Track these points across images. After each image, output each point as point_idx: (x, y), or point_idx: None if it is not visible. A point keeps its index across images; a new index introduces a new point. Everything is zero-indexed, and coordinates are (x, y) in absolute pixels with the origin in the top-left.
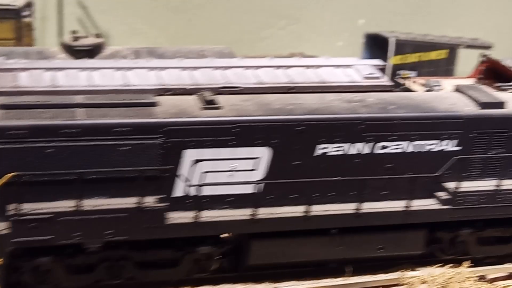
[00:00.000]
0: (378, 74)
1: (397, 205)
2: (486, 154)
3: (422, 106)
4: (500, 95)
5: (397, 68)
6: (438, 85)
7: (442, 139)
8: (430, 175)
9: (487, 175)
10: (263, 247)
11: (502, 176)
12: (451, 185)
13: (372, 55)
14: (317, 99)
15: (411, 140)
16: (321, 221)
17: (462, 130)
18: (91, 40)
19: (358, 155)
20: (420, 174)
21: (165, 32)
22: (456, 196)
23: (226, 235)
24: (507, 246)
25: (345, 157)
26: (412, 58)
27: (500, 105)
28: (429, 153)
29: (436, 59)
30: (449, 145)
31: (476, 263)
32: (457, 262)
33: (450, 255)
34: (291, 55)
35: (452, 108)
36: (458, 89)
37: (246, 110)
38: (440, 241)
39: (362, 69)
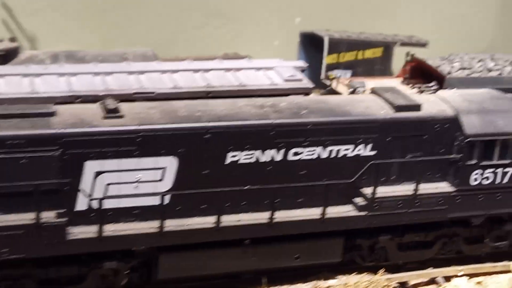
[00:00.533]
0: (299, 76)
1: (312, 213)
2: (403, 158)
3: (336, 111)
4: (418, 97)
5: (332, 67)
6: (363, 86)
7: (357, 144)
8: (345, 181)
9: (404, 180)
10: (173, 261)
11: (419, 181)
12: (368, 190)
13: (307, 54)
14: (227, 105)
15: (325, 145)
16: (233, 232)
17: (377, 134)
18: (4, 45)
19: (271, 162)
20: (334, 181)
21: (97, 33)
22: (373, 202)
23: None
24: (428, 251)
25: (257, 164)
26: (347, 56)
27: (416, 108)
28: (344, 158)
29: (371, 57)
30: (364, 150)
31: (398, 269)
32: (377, 269)
33: (370, 262)
34: (225, 56)
35: (367, 111)
36: (374, 92)
37: (150, 118)
38: (359, 248)
39: (283, 71)
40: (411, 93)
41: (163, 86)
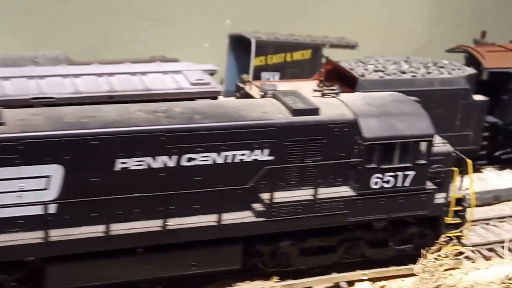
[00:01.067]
0: (207, 79)
1: (208, 220)
2: (302, 162)
3: (231, 115)
4: (318, 101)
5: (260, 69)
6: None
7: (253, 149)
8: (241, 187)
9: (304, 184)
10: (61, 271)
11: (318, 185)
12: (266, 196)
13: (237, 57)
14: (118, 110)
15: (220, 151)
16: (124, 241)
17: (274, 139)
18: None
19: (163, 169)
20: (230, 186)
21: (19, 36)
22: (271, 207)
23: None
24: (331, 255)
25: (148, 171)
26: (275, 59)
27: (313, 111)
28: (241, 163)
29: (300, 59)
30: (261, 155)
31: (303, 274)
32: (282, 275)
33: (272, 268)
34: (152, 59)
35: (264, 116)
36: (273, 96)
37: (33, 125)
38: (261, 254)
39: (191, 75)
40: (313, 96)
41: (63, 91)
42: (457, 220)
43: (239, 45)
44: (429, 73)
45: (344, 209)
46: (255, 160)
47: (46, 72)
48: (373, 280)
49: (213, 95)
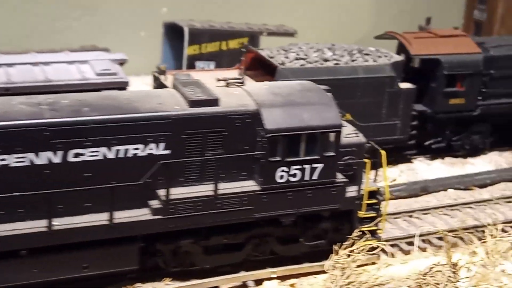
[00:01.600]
0: (114, 69)
1: (99, 218)
2: (201, 156)
3: (123, 107)
4: (220, 91)
5: (194, 58)
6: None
7: (147, 143)
8: (133, 183)
9: (205, 180)
10: None
11: (220, 180)
12: (163, 192)
13: (171, 45)
14: (1, 103)
15: (111, 145)
16: (5, 242)
17: (170, 132)
18: None
19: (48, 165)
20: (122, 183)
21: None
22: (168, 204)
23: None
24: (237, 253)
25: (31, 168)
26: (210, 47)
27: (212, 102)
28: (135, 158)
29: (237, 48)
30: (157, 149)
31: (209, 273)
32: (187, 275)
33: (175, 267)
34: (82, 48)
35: (158, 107)
36: (173, 86)
37: None
38: (161, 254)
39: (98, 65)
40: (217, 86)
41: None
42: (371, 214)
43: (174, 34)
44: (353, 60)
45: (248, 204)
46: (150, 154)
47: None
48: (282, 278)
49: (120, 86)
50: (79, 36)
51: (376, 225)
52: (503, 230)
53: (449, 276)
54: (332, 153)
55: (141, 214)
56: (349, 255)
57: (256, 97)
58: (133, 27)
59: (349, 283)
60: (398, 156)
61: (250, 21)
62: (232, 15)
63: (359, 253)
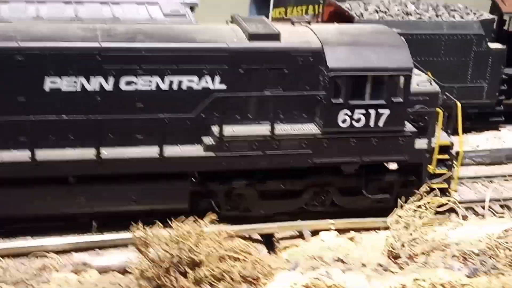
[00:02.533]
0: (182, 11)
1: (149, 151)
2: (260, 93)
3: (179, 37)
4: (283, 28)
5: (279, 21)
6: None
7: (202, 75)
8: (186, 115)
9: (263, 119)
10: None
11: (278, 120)
12: (217, 129)
13: (258, 9)
14: (54, 26)
15: (164, 75)
16: (54, 168)
17: (226, 65)
18: None
19: (99, 92)
20: (175, 115)
21: None
22: (221, 141)
23: None
24: (296, 201)
25: (82, 93)
26: (296, 11)
27: (273, 37)
28: (189, 90)
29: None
30: (212, 83)
31: (265, 220)
32: (240, 220)
33: (229, 210)
34: None
35: (216, 39)
36: (233, 20)
37: None
38: (215, 195)
39: (167, 7)
40: (282, 24)
41: (23, 15)
42: (443, 171)
43: None
44: (438, 16)
45: (307, 148)
46: (205, 88)
47: None
48: (341, 231)
49: None
50: None
51: (447, 182)
52: None
53: None
54: (400, 99)
55: (193, 150)
56: (415, 211)
57: (321, 35)
58: None
59: (413, 239)
60: (485, 122)
61: None
62: None
63: (426, 209)
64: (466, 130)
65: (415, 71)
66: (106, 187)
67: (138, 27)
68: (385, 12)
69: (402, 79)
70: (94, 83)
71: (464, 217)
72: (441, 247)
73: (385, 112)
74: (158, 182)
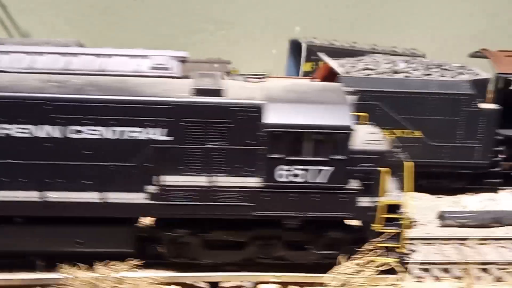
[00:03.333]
0: (170, 65)
1: (94, 196)
2: (203, 145)
3: (128, 90)
4: (233, 84)
5: (309, 75)
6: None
7: (147, 127)
8: (131, 164)
9: (208, 171)
10: None
11: (221, 172)
12: (161, 178)
13: (295, 62)
14: (17, 77)
15: (109, 125)
16: (2, 208)
17: (171, 118)
18: None
19: (48, 139)
20: (119, 163)
21: (89, 33)
22: (163, 190)
23: None
24: (240, 252)
25: (32, 140)
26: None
27: (216, 92)
28: (134, 141)
29: None
30: (158, 134)
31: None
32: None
33: (176, 257)
34: (207, 60)
35: (162, 93)
36: (191, 76)
37: None
38: (159, 241)
39: (157, 60)
40: (236, 80)
41: (20, 65)
42: (389, 230)
43: (298, 51)
44: (427, 75)
45: (248, 201)
46: (149, 139)
47: (11, 48)
48: (283, 284)
49: None
50: (213, 48)
51: (396, 241)
52: None
53: None
54: (340, 157)
55: (135, 197)
56: (357, 269)
57: (267, 91)
58: (266, 43)
59: None
60: (481, 183)
61: (390, 43)
62: (369, 37)
63: (365, 268)
64: (460, 191)
65: (371, 129)
66: (52, 228)
67: (94, 79)
68: (373, 69)
69: (341, 136)
70: (42, 131)
71: (401, 278)
72: None
73: (325, 168)
74: (103, 226)
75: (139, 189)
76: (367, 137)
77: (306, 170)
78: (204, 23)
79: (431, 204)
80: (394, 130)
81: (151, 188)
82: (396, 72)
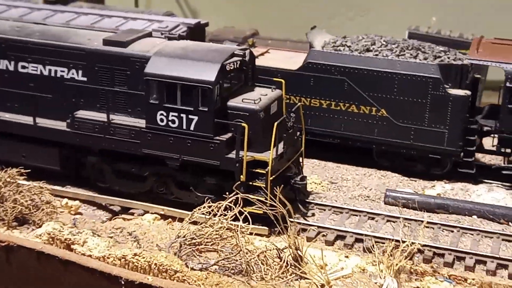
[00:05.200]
0: (172, 27)
1: (30, 119)
2: (111, 88)
3: (60, 36)
4: (148, 41)
5: None
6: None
7: (70, 68)
8: (60, 98)
9: (110, 109)
10: None
11: (114, 110)
12: (79, 112)
13: None
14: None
15: (45, 64)
16: None
17: (86, 62)
18: None
19: (5, 71)
20: (52, 96)
21: (242, 10)
22: (77, 122)
23: None
24: (142, 184)
25: None
26: None
27: (121, 44)
28: (63, 79)
29: None
30: (77, 75)
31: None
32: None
33: (97, 181)
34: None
35: (83, 42)
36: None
37: None
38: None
39: (165, 24)
40: (156, 37)
41: (59, 21)
42: (258, 183)
43: None
44: (400, 55)
45: (136, 138)
46: (72, 78)
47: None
48: (165, 217)
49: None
50: (350, 34)
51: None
52: (420, 251)
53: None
54: (205, 108)
55: (59, 125)
56: (210, 213)
57: (163, 47)
58: (399, 31)
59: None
60: (458, 172)
61: None
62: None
63: (215, 214)
64: (437, 177)
65: (264, 90)
66: (5, 141)
67: (49, 28)
68: (349, 47)
69: (204, 90)
70: (3, 64)
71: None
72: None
73: (194, 118)
74: (38, 145)
75: (63, 119)
76: (249, 96)
77: (179, 117)
78: (344, 9)
79: (398, 184)
80: (362, 107)
81: (70, 119)
82: (368, 50)
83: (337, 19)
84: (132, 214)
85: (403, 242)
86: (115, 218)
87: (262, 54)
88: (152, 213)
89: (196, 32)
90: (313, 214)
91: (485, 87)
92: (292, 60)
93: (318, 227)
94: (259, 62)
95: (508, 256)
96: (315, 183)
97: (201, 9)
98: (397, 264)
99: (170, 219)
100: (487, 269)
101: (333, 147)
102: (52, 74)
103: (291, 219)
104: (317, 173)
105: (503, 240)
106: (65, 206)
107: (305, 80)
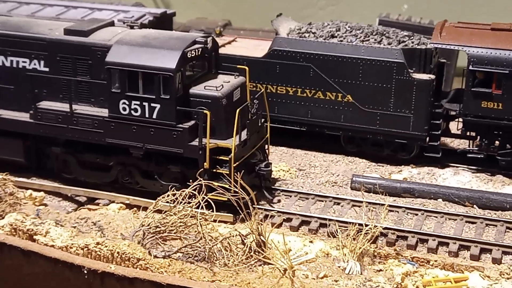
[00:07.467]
0: (138, 17)
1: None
2: (74, 77)
3: (21, 27)
4: (110, 31)
5: None
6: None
7: (32, 59)
8: (22, 89)
9: (72, 99)
10: None
11: (84, 102)
12: (41, 103)
13: None
14: None
15: (7, 55)
16: None
17: (46, 52)
18: None
19: None
20: (14, 88)
21: (216, 3)
22: (37, 112)
23: None
24: (107, 174)
25: None
26: None
27: (82, 33)
28: (24, 69)
29: None
30: (38, 65)
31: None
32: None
33: (62, 172)
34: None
35: (43, 32)
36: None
37: None
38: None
39: (131, 14)
40: (120, 27)
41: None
42: (222, 170)
43: None
44: (364, 41)
45: (99, 128)
46: (34, 69)
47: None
48: (130, 206)
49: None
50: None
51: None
52: (383, 235)
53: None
54: (166, 96)
55: (22, 116)
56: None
57: (124, 36)
58: (370, 20)
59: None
60: (425, 157)
61: None
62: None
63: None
64: (404, 162)
65: (227, 77)
66: None
67: (14, 19)
68: (314, 33)
69: (164, 77)
70: None
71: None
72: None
73: (157, 106)
74: (2, 137)
75: (26, 110)
76: (212, 83)
77: (141, 106)
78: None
79: (366, 169)
80: (328, 93)
81: (33, 110)
82: (333, 37)
83: (309, 9)
84: (97, 204)
85: (366, 226)
86: (80, 209)
87: (229, 42)
88: (117, 203)
89: (163, 22)
90: (279, 201)
91: (456, 73)
92: (259, 48)
93: (283, 213)
94: (225, 50)
95: (470, 237)
96: (283, 170)
97: (175, 2)
98: (360, 248)
99: (135, 208)
100: (450, 250)
101: (301, 134)
102: (14, 65)
103: (254, 205)
104: (285, 161)
105: (466, 222)
106: (29, 197)
107: (271, 68)
